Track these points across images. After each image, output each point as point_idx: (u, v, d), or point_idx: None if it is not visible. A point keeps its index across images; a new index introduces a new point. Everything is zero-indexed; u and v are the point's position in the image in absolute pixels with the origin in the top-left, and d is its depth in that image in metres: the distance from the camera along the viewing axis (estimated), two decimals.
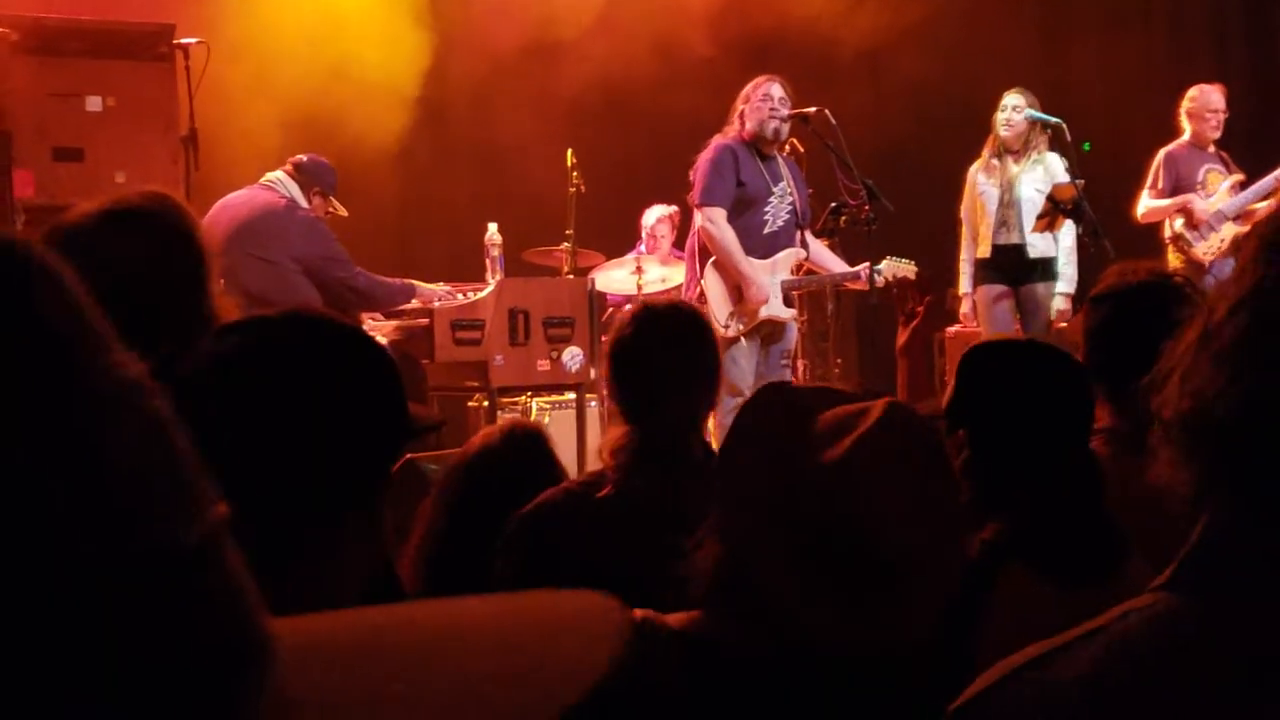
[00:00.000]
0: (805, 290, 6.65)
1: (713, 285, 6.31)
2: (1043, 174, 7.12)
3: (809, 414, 1.54)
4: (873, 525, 1.45)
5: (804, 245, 6.48)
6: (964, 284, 7.39)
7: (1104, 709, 0.89)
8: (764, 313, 6.29)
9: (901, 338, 3.17)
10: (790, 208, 6.42)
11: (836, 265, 6.64)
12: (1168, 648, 0.90)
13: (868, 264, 6.45)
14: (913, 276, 6.76)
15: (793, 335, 6.58)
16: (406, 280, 6.29)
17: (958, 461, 2.22)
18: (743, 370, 6.21)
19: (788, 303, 6.44)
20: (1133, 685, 0.89)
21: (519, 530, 2.55)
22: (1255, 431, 0.86)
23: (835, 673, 1.46)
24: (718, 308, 6.25)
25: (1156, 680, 0.89)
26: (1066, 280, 7.18)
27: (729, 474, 1.57)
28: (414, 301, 6.31)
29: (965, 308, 7.36)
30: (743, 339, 6.26)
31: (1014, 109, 7.15)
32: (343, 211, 6.29)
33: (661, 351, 2.84)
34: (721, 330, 6.17)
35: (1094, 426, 2.61)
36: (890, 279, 6.55)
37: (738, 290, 6.26)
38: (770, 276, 6.32)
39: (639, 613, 1.52)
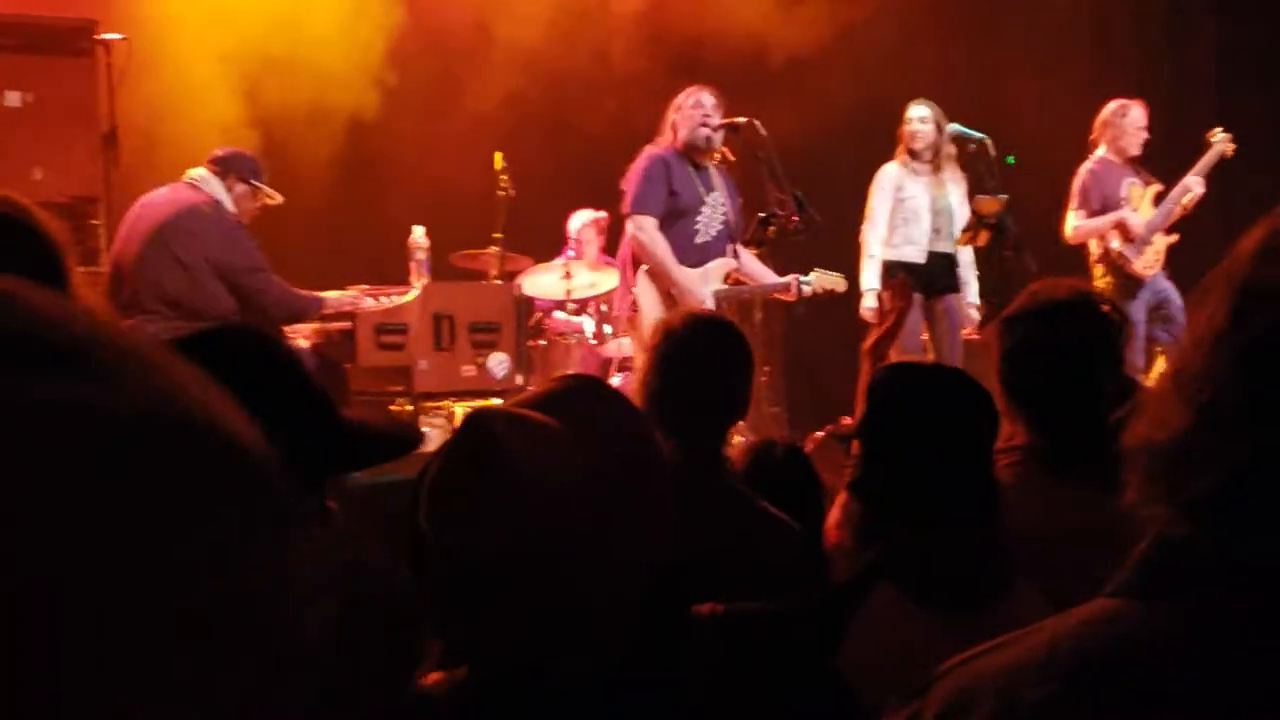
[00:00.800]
0: (735, 300, 6.63)
1: (645, 294, 6.27)
2: (960, 190, 7.21)
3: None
4: (465, 545, 1.45)
5: (735, 256, 6.48)
6: (871, 279, 7.11)
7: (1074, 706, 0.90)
8: None
9: (868, 340, 3.15)
10: (723, 218, 6.43)
11: (766, 276, 6.65)
12: (1138, 650, 0.90)
13: (796, 276, 6.46)
14: (842, 289, 6.79)
15: None
16: (315, 294, 6.22)
17: (845, 479, 2.25)
18: None
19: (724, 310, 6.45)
20: (1104, 686, 0.89)
21: None
22: (1231, 477, 0.89)
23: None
24: (651, 314, 6.20)
25: (1131, 681, 0.89)
26: (973, 291, 7.27)
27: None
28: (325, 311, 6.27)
29: (871, 302, 7.05)
30: None
31: (920, 120, 7.20)
32: (277, 198, 6.19)
33: (716, 354, 2.88)
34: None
35: (1006, 444, 2.64)
36: (819, 291, 6.59)
37: (670, 298, 6.24)
38: (703, 286, 6.31)
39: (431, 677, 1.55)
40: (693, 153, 6.36)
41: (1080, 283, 3.42)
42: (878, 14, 9.81)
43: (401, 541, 1.65)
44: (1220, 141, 7.78)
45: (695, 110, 6.33)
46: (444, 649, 1.57)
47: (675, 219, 6.28)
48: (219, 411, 0.63)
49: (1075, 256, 7.81)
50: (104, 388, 0.58)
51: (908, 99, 7.46)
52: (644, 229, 6.22)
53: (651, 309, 6.24)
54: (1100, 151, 7.79)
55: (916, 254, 7.16)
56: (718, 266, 6.40)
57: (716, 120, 6.36)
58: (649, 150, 6.35)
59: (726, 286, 6.47)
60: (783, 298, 6.77)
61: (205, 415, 0.62)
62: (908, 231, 7.18)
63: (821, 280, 6.61)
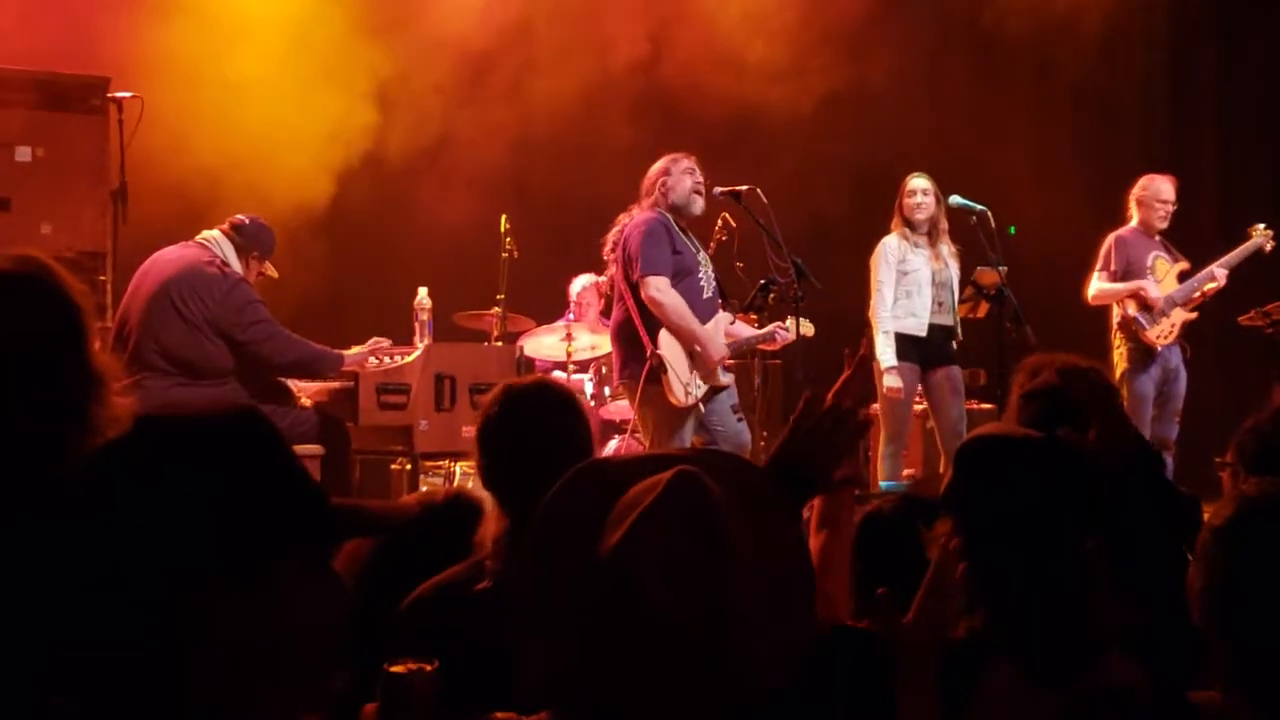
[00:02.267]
0: (734, 356, 6.66)
1: (671, 353, 6.18)
2: (956, 262, 7.26)
3: (616, 492, 1.49)
4: (651, 607, 1.42)
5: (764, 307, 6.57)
6: (890, 357, 7.14)
7: None
8: (711, 379, 6.30)
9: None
10: (713, 274, 6.47)
11: (745, 331, 6.73)
12: None
13: (777, 325, 6.52)
14: (810, 334, 6.85)
15: (733, 392, 6.48)
16: (336, 351, 6.24)
17: (950, 546, 2.23)
18: (683, 441, 6.16)
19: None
20: None
21: (400, 622, 2.54)
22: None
23: None
24: (681, 372, 6.18)
25: None
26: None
27: (538, 566, 1.53)
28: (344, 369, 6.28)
29: (895, 381, 7.14)
30: (701, 406, 6.25)
31: (922, 192, 7.26)
32: (274, 273, 6.26)
33: (532, 433, 2.76)
34: (684, 399, 6.15)
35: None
36: (800, 336, 6.65)
37: (691, 355, 6.22)
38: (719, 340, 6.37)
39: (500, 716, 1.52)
40: (680, 216, 6.38)
41: (1072, 358, 3.47)
42: (877, 83, 9.91)
43: None
44: (1261, 235, 7.83)
45: (688, 175, 6.35)
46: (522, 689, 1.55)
47: (683, 277, 6.27)
48: None
49: (1075, 329, 7.84)
50: None
51: (907, 168, 7.53)
52: (662, 289, 6.13)
53: (681, 368, 6.18)
54: (1133, 222, 7.88)
55: (918, 326, 7.18)
56: (720, 322, 6.44)
57: (704, 188, 6.42)
58: (643, 215, 6.31)
59: (728, 343, 6.50)
60: (766, 348, 6.81)
61: None
62: (910, 304, 7.20)
63: (806, 326, 6.71)
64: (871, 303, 7.20)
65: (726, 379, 6.38)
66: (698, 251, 6.41)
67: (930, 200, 7.22)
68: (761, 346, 6.81)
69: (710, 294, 6.39)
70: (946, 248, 7.30)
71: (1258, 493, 1.98)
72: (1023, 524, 2.15)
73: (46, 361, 2.12)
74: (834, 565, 2.44)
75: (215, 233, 6.03)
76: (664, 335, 6.21)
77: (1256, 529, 1.94)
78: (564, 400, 2.94)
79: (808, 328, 6.80)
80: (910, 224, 7.26)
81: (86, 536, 1.37)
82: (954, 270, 7.25)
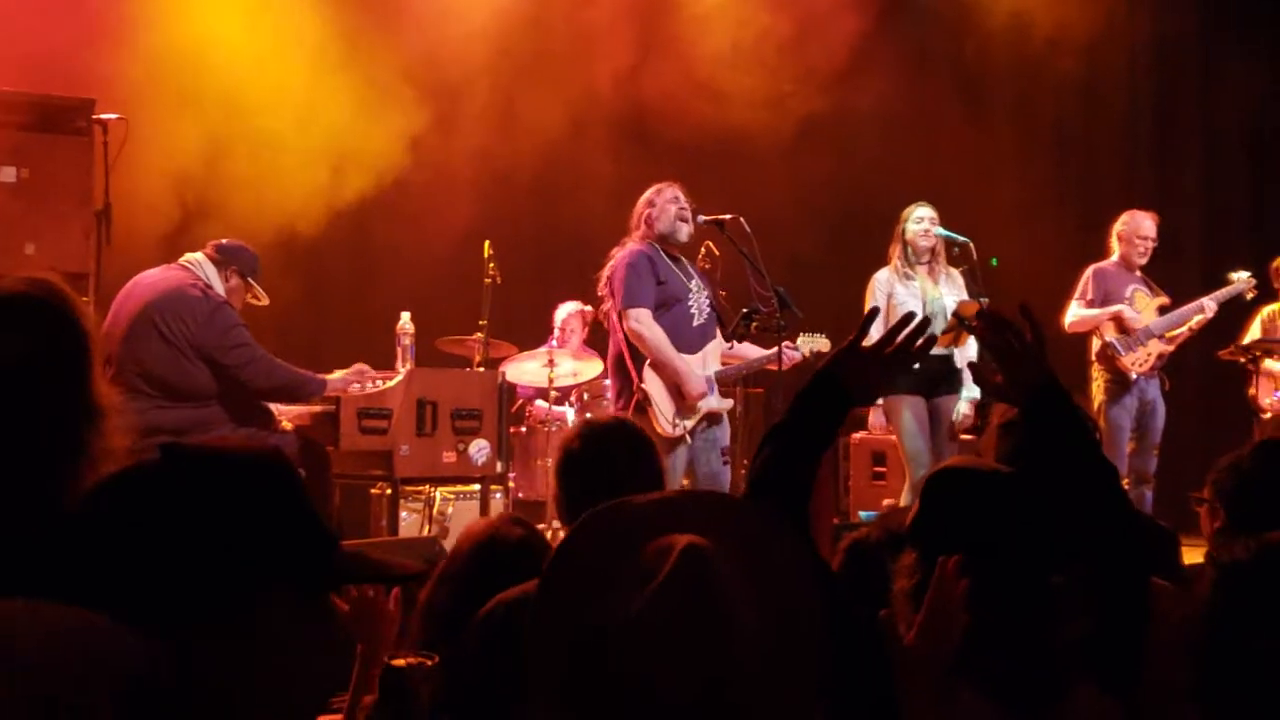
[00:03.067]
0: (734, 378, 6.69)
1: (654, 387, 6.26)
2: (955, 288, 7.25)
3: (636, 542, 1.48)
4: (655, 688, 1.41)
5: (723, 335, 6.55)
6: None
7: None
8: (704, 406, 6.32)
9: None
10: (708, 301, 6.50)
11: (753, 352, 6.71)
12: None
13: (784, 344, 6.54)
14: (827, 349, 6.87)
15: (728, 429, 6.56)
16: (319, 376, 6.24)
17: (904, 586, 2.23)
18: (674, 476, 6.18)
19: (722, 393, 6.50)
20: None
21: (472, 630, 2.61)
22: None
23: None
24: (664, 407, 6.24)
25: None
26: (976, 390, 7.24)
27: (543, 611, 1.51)
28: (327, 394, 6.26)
29: (878, 417, 7.24)
30: (688, 438, 6.27)
31: (930, 220, 7.25)
32: (264, 299, 6.25)
33: (611, 466, 2.98)
34: (670, 431, 6.18)
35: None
36: (808, 354, 6.66)
37: (676, 388, 6.28)
38: (702, 369, 6.37)
39: None
40: (668, 245, 6.43)
41: None
42: (861, 113, 9.97)
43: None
44: (1243, 284, 7.91)
45: (673, 204, 6.42)
46: None
47: (670, 305, 6.33)
48: None
49: (1054, 361, 7.85)
50: None
51: (893, 200, 7.55)
52: (641, 321, 6.23)
53: (663, 402, 6.25)
54: (1113, 256, 7.94)
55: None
56: (714, 348, 6.46)
57: (689, 214, 6.46)
58: (628, 248, 6.39)
59: (724, 367, 6.52)
60: (773, 368, 6.78)
61: None
62: None
63: (808, 344, 6.72)
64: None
65: (723, 405, 6.41)
66: (689, 279, 6.44)
67: (933, 228, 7.23)
68: (769, 367, 6.78)
69: (703, 320, 6.43)
70: (946, 275, 7.28)
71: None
72: (985, 557, 2.17)
73: (51, 387, 2.10)
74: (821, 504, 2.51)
75: (198, 255, 6.04)
76: (648, 368, 6.28)
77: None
78: (642, 438, 3.19)
79: (823, 343, 6.82)
80: (914, 252, 7.24)
81: (95, 561, 1.37)
82: (952, 300, 7.20)
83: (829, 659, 1.51)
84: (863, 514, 7.09)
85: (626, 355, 6.32)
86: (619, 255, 6.39)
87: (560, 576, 1.51)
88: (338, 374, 6.40)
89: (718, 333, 6.51)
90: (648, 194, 6.51)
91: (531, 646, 1.50)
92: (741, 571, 1.47)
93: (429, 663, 1.97)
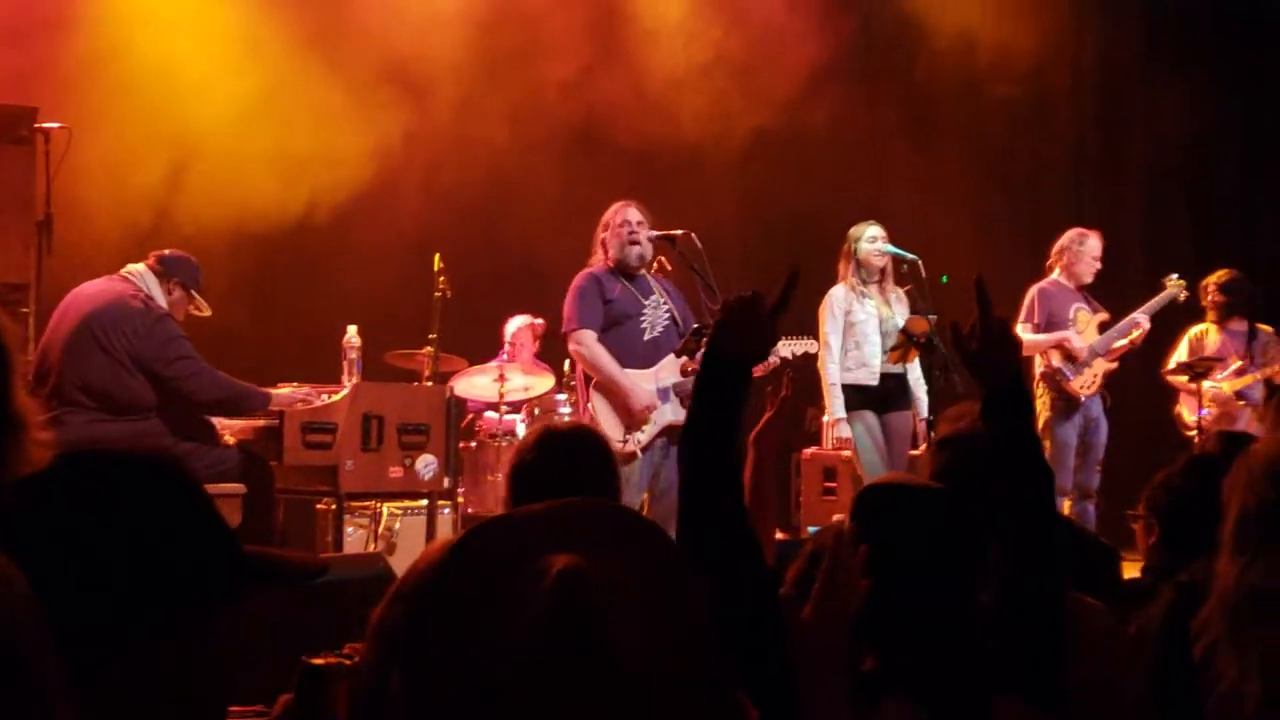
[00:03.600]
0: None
1: (600, 406, 6.32)
2: (903, 307, 7.28)
3: (516, 561, 1.43)
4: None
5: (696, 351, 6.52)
6: (839, 408, 7.17)
7: None
8: (663, 419, 6.31)
9: (753, 433, 3.15)
10: (668, 314, 6.49)
11: None
12: None
13: None
14: (815, 350, 6.86)
15: None
16: (264, 390, 6.17)
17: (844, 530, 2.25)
18: (629, 492, 6.16)
19: (683, 405, 6.44)
20: None
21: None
22: None
23: None
24: (610, 427, 6.23)
25: None
26: (924, 406, 7.28)
27: (418, 633, 1.47)
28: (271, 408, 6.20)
29: (844, 432, 7.12)
30: (639, 454, 6.25)
31: (883, 239, 7.27)
32: (206, 311, 6.20)
33: (567, 472, 2.96)
34: (619, 448, 6.16)
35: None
36: (792, 357, 6.64)
37: (625, 405, 6.29)
38: (655, 384, 6.35)
39: None
40: (624, 267, 6.45)
41: None
42: (814, 132, 10.00)
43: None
44: (1175, 286, 7.99)
45: (622, 228, 6.46)
46: None
47: (618, 323, 6.37)
48: None
49: None
50: None
51: (841, 217, 7.57)
52: (583, 343, 6.32)
53: (609, 423, 6.26)
54: (1055, 274, 7.98)
55: (869, 376, 7.16)
56: (669, 362, 6.44)
57: (643, 234, 6.46)
58: (582, 271, 6.48)
59: (683, 379, 6.47)
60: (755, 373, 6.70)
61: None
62: (860, 354, 7.17)
63: (791, 347, 6.67)
64: (820, 355, 7.14)
65: (680, 417, 6.37)
66: (646, 295, 6.44)
67: (884, 246, 7.24)
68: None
69: (656, 334, 6.44)
70: (894, 294, 7.33)
71: None
72: (914, 571, 2.17)
73: None
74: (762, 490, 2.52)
75: (140, 267, 5.98)
76: (593, 388, 6.38)
77: None
78: (599, 447, 3.17)
79: (810, 344, 6.81)
80: (867, 271, 7.25)
81: None
82: (903, 317, 7.24)
83: (726, 666, 1.50)
84: (812, 529, 7.08)
85: (580, 374, 6.48)
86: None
87: (437, 598, 1.47)
88: (285, 389, 6.34)
89: (679, 344, 6.50)
90: (605, 215, 6.56)
91: (408, 668, 1.46)
92: (623, 585, 1.44)
93: (347, 663, 1.94)
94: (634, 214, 6.50)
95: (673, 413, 6.34)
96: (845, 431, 7.13)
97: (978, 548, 2.25)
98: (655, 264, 6.99)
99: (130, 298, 5.80)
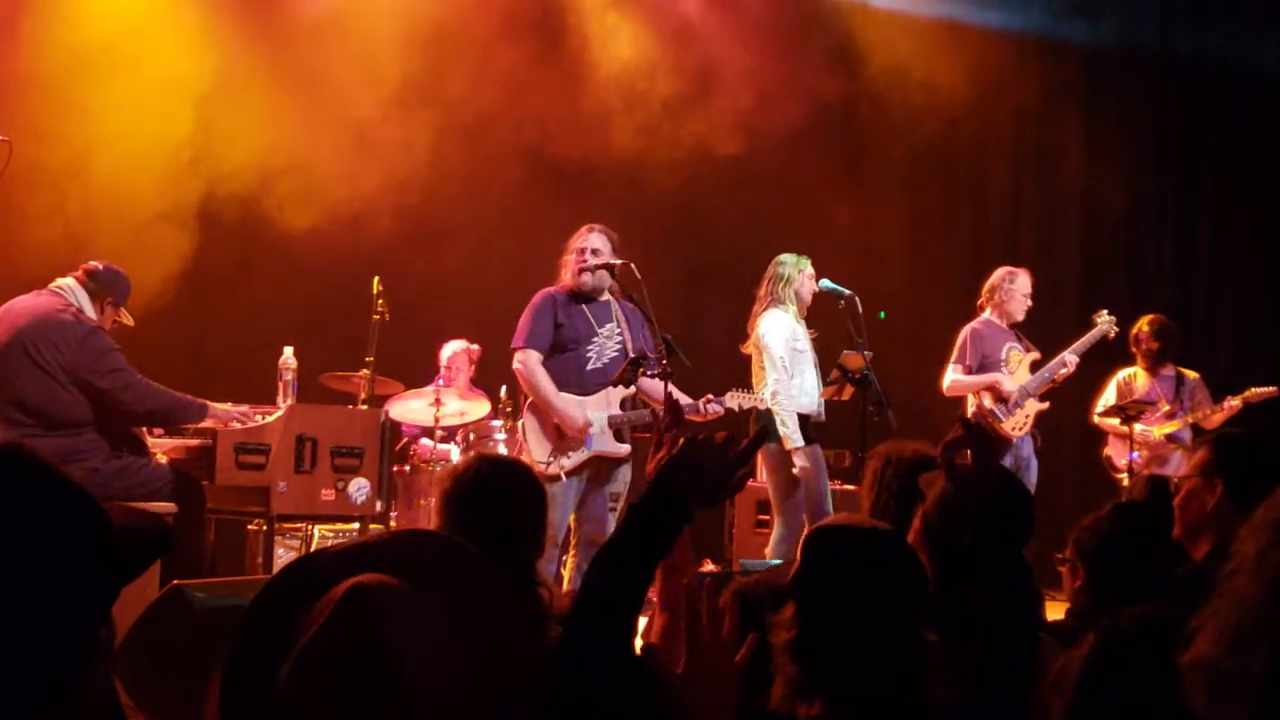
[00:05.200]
0: (636, 424, 6.62)
1: (530, 425, 6.37)
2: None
3: (316, 593, 1.47)
4: None
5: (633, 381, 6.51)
6: (798, 436, 6.94)
7: None
8: (594, 448, 6.32)
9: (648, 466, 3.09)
10: (618, 345, 6.49)
11: (681, 399, 6.62)
12: None
13: (708, 396, 6.52)
14: (764, 406, 6.79)
15: (624, 477, 6.51)
16: (200, 400, 6.12)
17: (783, 639, 2.24)
18: (553, 513, 6.14)
19: (619, 438, 6.44)
20: None
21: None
22: None
23: None
24: (536, 447, 6.29)
25: None
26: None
27: (229, 675, 1.48)
28: (206, 421, 6.13)
29: (804, 461, 6.96)
30: (564, 476, 6.25)
31: (810, 275, 7.23)
32: (129, 321, 6.13)
33: (497, 502, 3.04)
34: (541, 468, 6.17)
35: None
36: (736, 409, 6.64)
37: (555, 430, 6.31)
38: (596, 411, 6.36)
39: None
40: (580, 293, 6.47)
41: (925, 446, 3.54)
42: (756, 167, 10.06)
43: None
44: (1105, 323, 8.08)
45: (577, 255, 6.48)
46: None
47: (563, 349, 6.40)
48: None
49: (940, 415, 7.99)
50: None
51: (783, 246, 7.54)
52: (524, 362, 6.36)
53: (536, 442, 6.32)
54: (986, 314, 8.03)
55: (810, 404, 7.08)
56: (613, 392, 6.44)
57: (596, 262, 6.44)
58: (543, 290, 6.51)
59: (623, 413, 6.46)
60: (695, 419, 6.68)
61: None
62: (802, 382, 7.06)
63: (738, 399, 6.66)
64: (769, 379, 6.97)
65: (617, 449, 6.38)
66: (601, 323, 6.46)
67: (813, 283, 7.23)
68: (690, 418, 6.67)
69: (603, 364, 6.43)
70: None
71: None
72: (862, 613, 2.19)
73: None
74: (674, 604, 2.47)
75: (69, 280, 5.91)
76: (527, 409, 6.43)
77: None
78: (529, 482, 3.28)
79: (756, 400, 6.76)
80: (800, 303, 7.20)
81: None
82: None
83: (538, 697, 1.52)
84: (744, 562, 7.08)
85: (520, 391, 6.53)
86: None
87: (243, 638, 1.49)
88: (224, 406, 6.27)
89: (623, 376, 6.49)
90: (572, 238, 6.56)
91: (225, 712, 1.47)
92: (431, 609, 1.46)
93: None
94: (595, 240, 6.49)
95: (604, 443, 6.35)
96: (804, 460, 6.98)
97: (925, 590, 2.27)
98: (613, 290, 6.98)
99: (59, 311, 5.74)
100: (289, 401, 6.47)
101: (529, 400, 6.41)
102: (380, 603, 1.43)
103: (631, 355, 6.50)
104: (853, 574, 2.23)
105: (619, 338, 6.51)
